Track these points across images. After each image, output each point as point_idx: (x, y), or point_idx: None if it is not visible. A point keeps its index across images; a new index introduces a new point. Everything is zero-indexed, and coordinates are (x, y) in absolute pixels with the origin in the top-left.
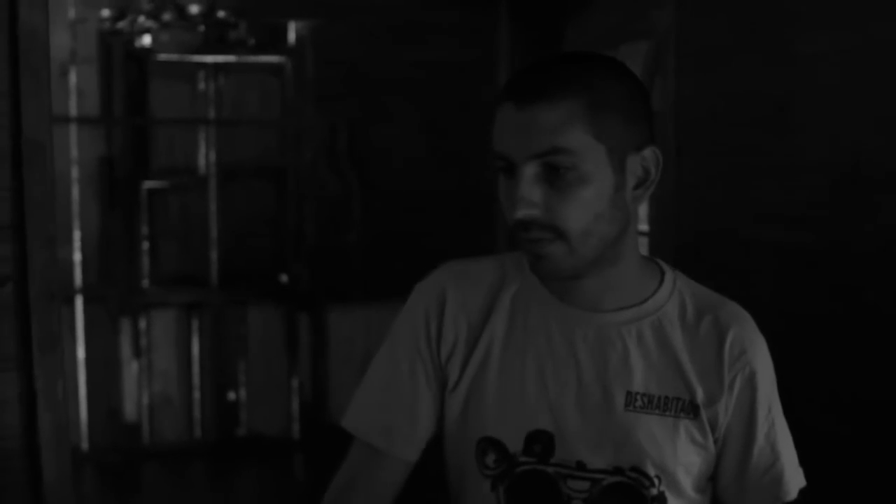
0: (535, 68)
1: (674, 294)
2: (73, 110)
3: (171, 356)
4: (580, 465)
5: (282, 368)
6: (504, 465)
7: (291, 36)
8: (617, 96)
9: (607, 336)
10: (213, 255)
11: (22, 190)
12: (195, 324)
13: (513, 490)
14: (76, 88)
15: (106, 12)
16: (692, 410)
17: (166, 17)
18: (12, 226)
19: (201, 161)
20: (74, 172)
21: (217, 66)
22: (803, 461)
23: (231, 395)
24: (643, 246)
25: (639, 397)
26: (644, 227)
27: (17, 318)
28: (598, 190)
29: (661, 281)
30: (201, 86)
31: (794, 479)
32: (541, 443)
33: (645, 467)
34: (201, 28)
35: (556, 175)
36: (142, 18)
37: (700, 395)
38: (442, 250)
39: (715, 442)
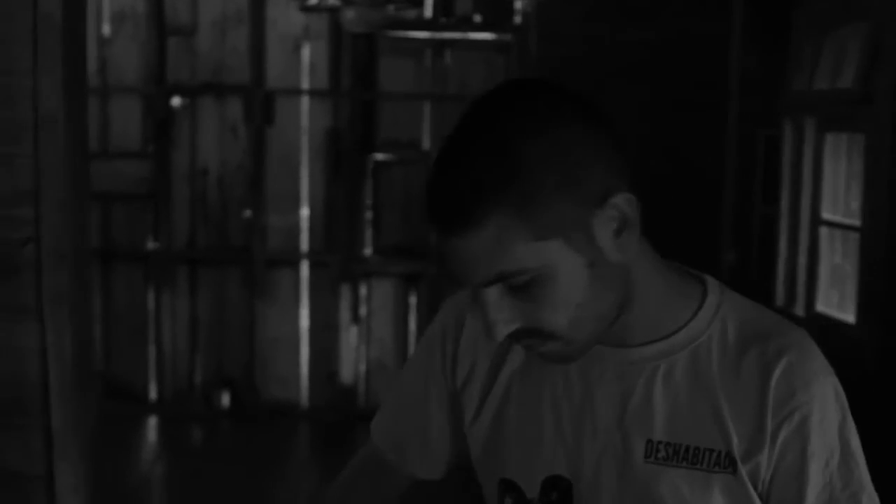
0: (447, 176)
1: (714, 322)
2: (304, 84)
3: (388, 324)
4: None
5: None
6: None
7: (517, 13)
8: (553, 165)
9: (628, 374)
10: None
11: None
12: (413, 294)
13: None
14: (308, 63)
15: None
16: (730, 464)
17: None
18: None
19: (425, 135)
20: (304, 143)
21: (443, 43)
22: None
23: None
24: (853, 241)
25: (661, 447)
26: (855, 221)
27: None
28: (569, 282)
29: (701, 305)
30: (427, 62)
31: None
32: (558, 490)
33: None
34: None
35: (517, 289)
36: None
37: (737, 446)
38: (661, 238)
39: (761, 497)
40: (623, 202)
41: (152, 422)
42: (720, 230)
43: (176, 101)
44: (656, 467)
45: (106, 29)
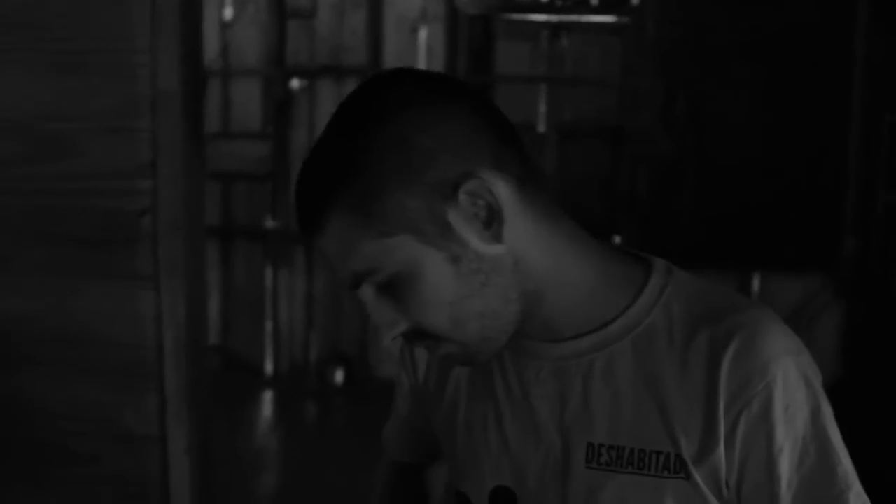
0: (300, 180)
1: (658, 307)
2: (421, 66)
3: None
4: None
5: None
6: None
7: None
8: (391, 157)
9: (565, 372)
10: None
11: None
12: None
13: None
14: (425, 45)
15: None
16: (681, 468)
17: None
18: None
19: (540, 118)
20: None
21: (560, 26)
22: None
23: None
24: None
25: (604, 451)
26: None
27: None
28: (432, 280)
29: (642, 290)
30: (544, 44)
31: None
32: (504, 502)
33: None
34: None
35: (387, 289)
36: None
37: (686, 447)
38: (779, 223)
39: (729, 502)
40: (480, 189)
41: (268, 396)
42: (842, 218)
43: (295, 83)
44: (599, 473)
45: (227, 12)
